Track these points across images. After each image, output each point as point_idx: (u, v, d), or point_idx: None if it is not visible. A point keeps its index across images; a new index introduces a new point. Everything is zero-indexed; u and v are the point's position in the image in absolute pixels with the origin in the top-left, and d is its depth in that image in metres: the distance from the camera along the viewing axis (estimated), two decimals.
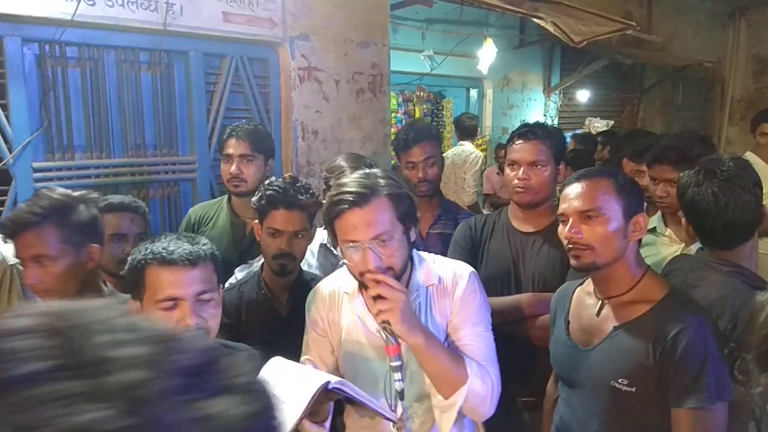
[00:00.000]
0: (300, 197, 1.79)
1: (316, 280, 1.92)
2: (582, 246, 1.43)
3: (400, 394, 1.29)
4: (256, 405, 0.41)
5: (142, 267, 1.25)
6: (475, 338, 1.43)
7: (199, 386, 0.39)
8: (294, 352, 1.75)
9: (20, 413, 0.33)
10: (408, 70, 4.87)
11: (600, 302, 1.50)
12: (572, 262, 1.48)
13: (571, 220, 1.46)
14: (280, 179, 1.86)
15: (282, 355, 1.76)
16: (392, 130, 4.51)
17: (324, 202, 2.10)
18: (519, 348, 1.83)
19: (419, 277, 1.46)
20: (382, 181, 1.37)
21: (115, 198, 2.14)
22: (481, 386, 1.37)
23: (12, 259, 1.79)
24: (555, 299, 1.67)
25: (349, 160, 2.15)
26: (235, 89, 3.11)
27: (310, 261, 2.12)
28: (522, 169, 1.92)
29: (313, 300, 1.57)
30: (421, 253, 1.54)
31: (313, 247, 2.12)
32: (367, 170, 1.45)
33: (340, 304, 1.52)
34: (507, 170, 1.98)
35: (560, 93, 6.53)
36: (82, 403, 0.33)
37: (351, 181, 1.37)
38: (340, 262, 2.14)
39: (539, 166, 1.91)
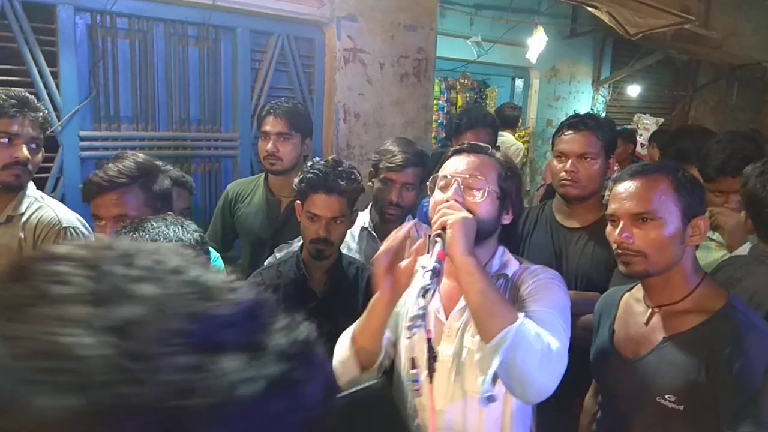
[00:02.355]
0: (340, 182, 1.75)
1: (355, 264, 1.90)
2: (633, 252, 1.32)
3: (424, 291, 1.13)
4: (279, 373, 0.37)
5: None
6: (541, 314, 1.23)
7: (216, 337, 0.36)
8: (329, 334, 1.74)
9: (19, 325, 0.35)
10: (453, 56, 4.78)
11: (650, 310, 1.39)
12: (621, 268, 1.37)
13: (622, 222, 1.34)
14: (323, 161, 1.83)
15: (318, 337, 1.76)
16: (433, 117, 4.45)
17: (370, 184, 2.09)
18: None
19: (493, 266, 1.39)
20: (499, 154, 1.43)
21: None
22: (534, 336, 1.15)
23: (66, 221, 1.83)
24: (600, 304, 1.57)
25: (400, 144, 2.11)
26: (279, 68, 3.10)
27: (350, 245, 2.10)
28: (570, 161, 1.85)
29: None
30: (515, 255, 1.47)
31: (354, 231, 2.10)
32: None
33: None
34: (554, 162, 1.92)
35: (609, 87, 6.33)
36: (74, 326, 0.34)
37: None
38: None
39: (589, 159, 1.84)
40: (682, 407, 1.26)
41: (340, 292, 1.81)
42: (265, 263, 2.01)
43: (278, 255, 2.04)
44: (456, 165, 1.36)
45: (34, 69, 2.39)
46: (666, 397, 1.28)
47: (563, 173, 1.86)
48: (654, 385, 1.31)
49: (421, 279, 1.16)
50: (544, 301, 1.28)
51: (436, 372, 1.29)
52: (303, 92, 3.17)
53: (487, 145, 1.43)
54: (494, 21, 4.85)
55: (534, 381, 1.16)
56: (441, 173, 1.37)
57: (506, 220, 1.39)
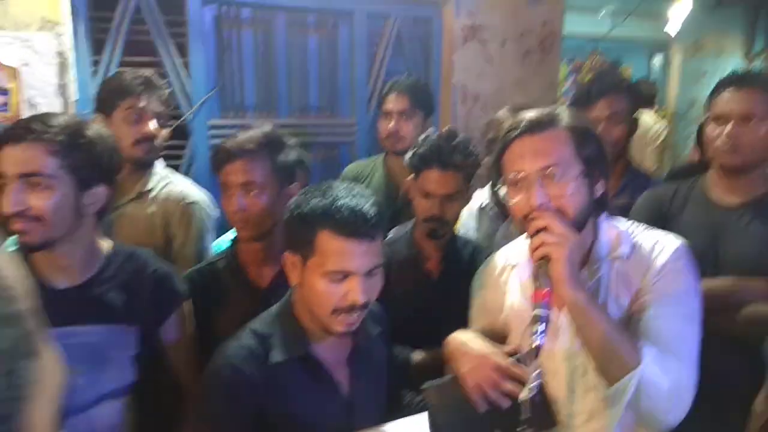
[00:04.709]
0: (455, 157, 1.63)
1: (471, 243, 1.78)
2: None
3: (536, 351, 1.03)
4: None
5: (314, 228, 1.13)
6: (664, 321, 1.12)
7: None
8: (443, 317, 1.63)
9: None
10: (581, 32, 4.43)
11: None
12: None
13: None
14: (437, 134, 1.72)
15: (430, 320, 1.66)
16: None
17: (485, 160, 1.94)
18: (711, 347, 1.51)
19: (603, 247, 1.21)
20: (565, 114, 1.18)
21: None
22: (660, 377, 1.06)
23: (192, 197, 1.89)
24: None
25: (513, 112, 1.95)
26: (396, 51, 3.04)
27: (468, 224, 1.97)
28: (731, 124, 1.57)
29: (482, 273, 1.43)
30: (617, 220, 1.27)
31: (471, 210, 1.97)
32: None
33: (506, 279, 1.35)
34: (711, 127, 1.64)
35: (764, 61, 5.58)
36: None
37: (529, 112, 1.19)
38: (502, 228, 1.98)
39: (754, 121, 1.55)
40: None
41: (455, 274, 1.69)
42: None
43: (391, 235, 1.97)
44: (523, 156, 1.13)
45: (167, 60, 2.52)
46: None
47: (722, 139, 1.59)
48: None
49: (529, 337, 1.05)
50: (670, 299, 1.13)
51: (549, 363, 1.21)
52: (420, 75, 3.08)
53: (550, 112, 1.17)
54: None
55: (661, 419, 1.09)
56: (509, 168, 1.16)
57: (600, 190, 1.18)
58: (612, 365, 1.08)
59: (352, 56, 2.95)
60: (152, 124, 1.81)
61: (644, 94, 4.43)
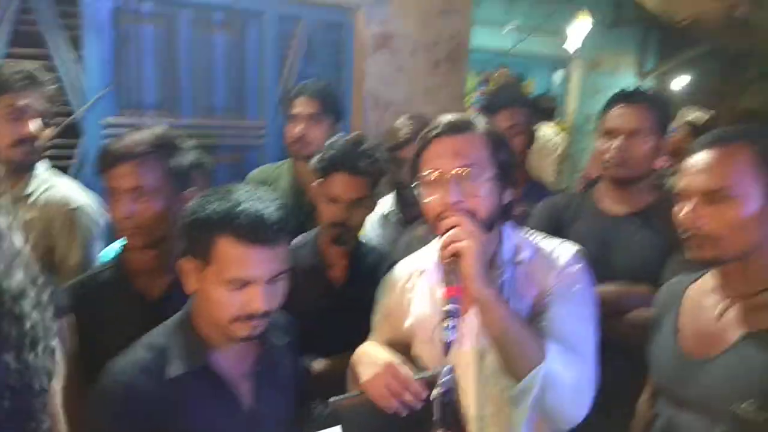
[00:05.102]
0: (363, 162, 1.63)
1: (375, 252, 1.78)
2: (702, 235, 1.14)
3: (447, 348, 1.04)
4: None
5: (213, 233, 1.07)
6: (564, 321, 1.17)
7: None
8: (347, 324, 1.61)
9: None
10: (488, 46, 4.60)
11: (724, 303, 1.20)
12: (689, 253, 1.20)
13: (691, 200, 1.17)
14: (345, 139, 1.70)
15: (335, 327, 1.64)
16: (469, 112, 4.28)
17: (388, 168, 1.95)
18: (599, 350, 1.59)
19: (507, 251, 1.25)
20: (481, 120, 1.23)
21: None
22: (563, 372, 1.10)
23: (76, 202, 1.76)
24: (662, 296, 1.38)
25: (412, 119, 1.98)
26: (307, 55, 3.00)
27: (371, 231, 1.97)
28: (620, 138, 1.67)
29: (386, 281, 1.43)
30: (518, 227, 1.32)
31: (374, 218, 1.97)
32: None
33: (413, 285, 1.35)
34: (601, 141, 1.74)
35: (654, 79, 6.05)
36: None
37: (448, 115, 1.22)
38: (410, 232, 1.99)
39: (640, 136, 1.66)
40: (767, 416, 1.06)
41: (360, 281, 1.68)
42: None
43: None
44: (441, 155, 1.16)
45: (58, 54, 2.34)
46: (746, 403, 1.08)
47: (611, 152, 1.68)
48: (731, 389, 1.11)
49: (440, 334, 1.06)
50: (570, 299, 1.19)
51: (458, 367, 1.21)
52: (331, 80, 3.05)
53: (468, 117, 1.23)
54: (532, 8, 4.65)
55: (565, 415, 1.14)
56: (426, 167, 1.18)
57: (508, 197, 1.23)
58: (519, 361, 1.11)
59: (261, 58, 2.87)
60: (33, 124, 1.65)
61: (544, 108, 4.67)
